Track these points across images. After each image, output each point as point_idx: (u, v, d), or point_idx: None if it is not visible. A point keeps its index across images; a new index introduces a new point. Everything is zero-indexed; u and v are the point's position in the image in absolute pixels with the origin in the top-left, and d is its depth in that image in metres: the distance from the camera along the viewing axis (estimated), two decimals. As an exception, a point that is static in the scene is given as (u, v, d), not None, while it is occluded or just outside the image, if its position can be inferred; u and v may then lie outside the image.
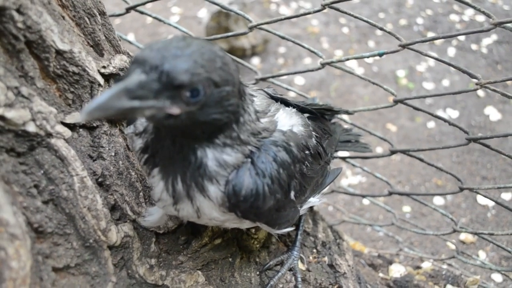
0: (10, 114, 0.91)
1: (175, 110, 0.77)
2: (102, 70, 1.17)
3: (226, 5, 1.68)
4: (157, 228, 1.18)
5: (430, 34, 5.32)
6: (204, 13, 5.46)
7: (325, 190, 1.39)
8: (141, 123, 1.03)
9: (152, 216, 1.16)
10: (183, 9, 5.82)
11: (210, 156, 0.90)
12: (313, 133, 1.20)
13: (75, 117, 1.09)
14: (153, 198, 1.09)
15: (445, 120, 1.64)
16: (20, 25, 0.96)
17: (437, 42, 5.18)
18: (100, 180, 1.10)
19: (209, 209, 0.97)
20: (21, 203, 0.93)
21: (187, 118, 0.80)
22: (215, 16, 4.65)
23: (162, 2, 5.92)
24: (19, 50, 0.98)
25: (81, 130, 1.10)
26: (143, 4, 1.70)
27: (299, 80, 4.63)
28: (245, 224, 1.10)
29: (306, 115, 1.31)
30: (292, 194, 1.06)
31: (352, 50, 5.07)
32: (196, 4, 5.83)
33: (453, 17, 5.64)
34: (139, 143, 1.02)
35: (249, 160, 0.95)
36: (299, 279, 1.34)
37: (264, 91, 1.22)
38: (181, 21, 5.55)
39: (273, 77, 1.80)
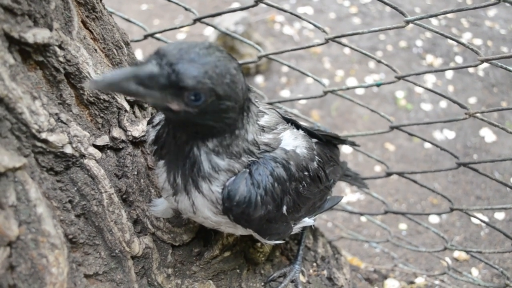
0: (52, 138, 1.04)
1: (174, 106, 0.86)
2: (128, 98, 1.31)
3: (232, 25, 1.82)
4: (173, 240, 1.30)
5: (429, 57, 5.49)
6: (210, 32, 5.63)
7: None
8: (159, 118, 1.14)
9: (157, 207, 1.24)
10: (189, 27, 5.99)
11: (204, 157, 0.99)
12: (316, 157, 1.27)
13: (104, 140, 1.22)
14: (158, 187, 1.19)
15: (437, 146, 1.78)
16: (61, 59, 1.10)
17: (435, 64, 5.35)
18: (124, 196, 1.23)
19: (202, 206, 1.05)
20: (58, 216, 1.05)
21: (185, 116, 0.88)
22: (221, 36, 4.81)
23: (169, 19, 6.09)
24: (59, 80, 1.12)
25: (108, 151, 1.23)
26: (161, 32, 1.86)
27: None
28: (239, 230, 1.16)
29: (315, 140, 1.38)
30: (284, 208, 1.12)
31: (353, 70, 5.23)
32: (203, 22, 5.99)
33: (451, 40, 5.80)
34: (152, 135, 1.13)
35: (247, 170, 1.04)
36: (300, 291, 1.45)
37: (277, 111, 1.29)
38: (188, 38, 5.71)
39: (279, 102, 1.94)
